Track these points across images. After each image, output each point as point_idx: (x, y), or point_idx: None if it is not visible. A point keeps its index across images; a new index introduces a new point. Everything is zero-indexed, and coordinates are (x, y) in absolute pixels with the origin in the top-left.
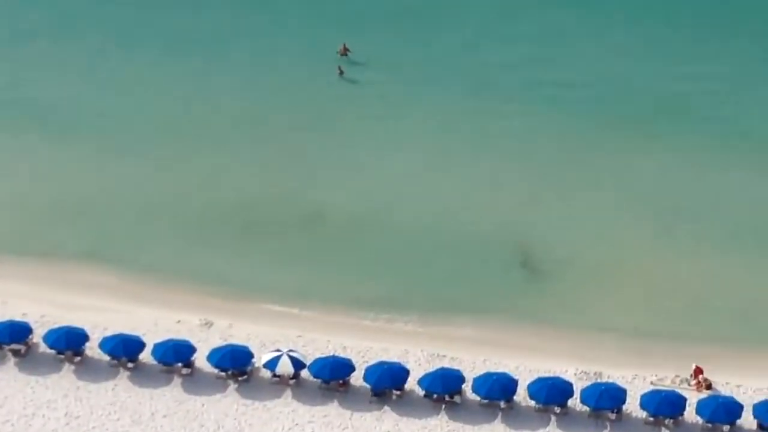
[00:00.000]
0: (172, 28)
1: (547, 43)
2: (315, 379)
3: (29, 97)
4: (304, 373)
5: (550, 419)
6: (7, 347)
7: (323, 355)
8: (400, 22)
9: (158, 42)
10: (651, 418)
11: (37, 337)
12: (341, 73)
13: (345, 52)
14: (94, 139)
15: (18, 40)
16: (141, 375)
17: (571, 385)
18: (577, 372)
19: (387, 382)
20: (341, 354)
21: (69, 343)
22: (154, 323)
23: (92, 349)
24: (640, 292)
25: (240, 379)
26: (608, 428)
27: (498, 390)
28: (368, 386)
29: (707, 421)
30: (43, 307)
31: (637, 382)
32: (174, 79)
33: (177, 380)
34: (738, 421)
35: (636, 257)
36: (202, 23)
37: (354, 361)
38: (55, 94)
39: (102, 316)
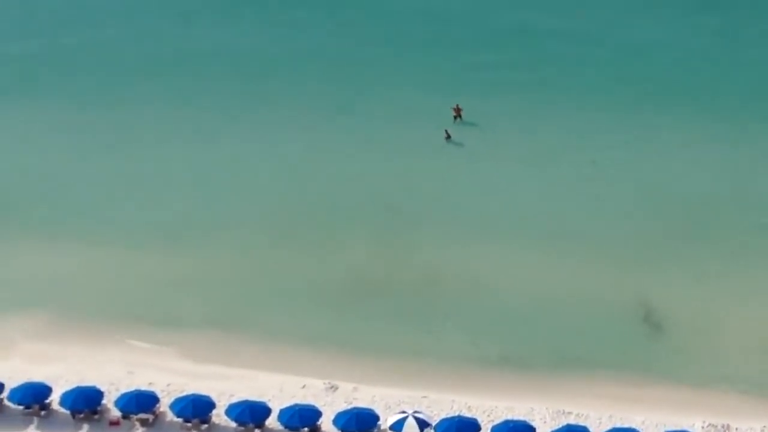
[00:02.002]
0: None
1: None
2: None
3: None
4: None
5: None
6: (135, 417)
7: (449, 415)
8: (512, 80)
9: (268, 110)
10: None
11: (164, 405)
12: (448, 137)
13: (458, 113)
14: (216, 211)
15: None
16: None
17: None
18: (705, 425)
19: None
20: (466, 413)
21: (196, 411)
22: (279, 388)
23: (219, 416)
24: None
25: None
26: None
27: None
28: None
29: None
30: (169, 375)
31: None
32: (291, 149)
33: None
34: None
35: (761, 307)
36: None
37: (480, 420)
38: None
39: (227, 383)
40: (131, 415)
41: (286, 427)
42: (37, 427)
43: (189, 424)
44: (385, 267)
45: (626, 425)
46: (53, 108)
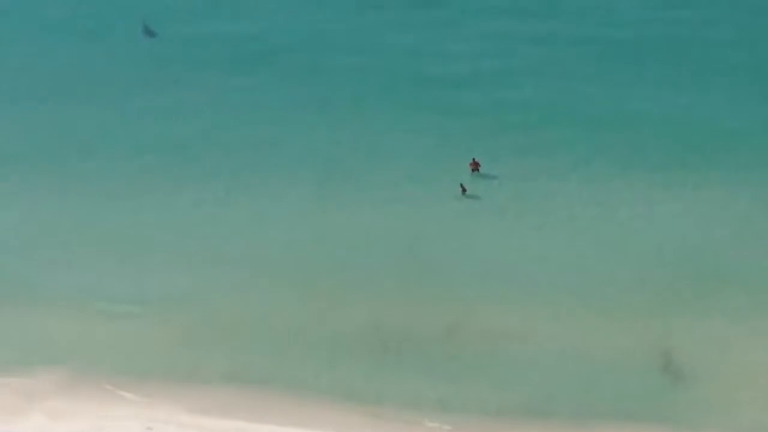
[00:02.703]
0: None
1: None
2: None
3: None
4: None
5: None
6: None
7: None
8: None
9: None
10: None
11: None
12: (464, 191)
13: (476, 167)
14: (230, 259)
15: None
16: None
17: None
18: None
19: None
20: None
21: None
22: None
23: None
24: None
25: None
26: None
27: None
28: None
29: None
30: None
31: None
32: (300, 201)
33: None
34: None
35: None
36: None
37: None
38: None
39: None
40: None
41: None
42: None
43: None
44: (406, 321)
45: None
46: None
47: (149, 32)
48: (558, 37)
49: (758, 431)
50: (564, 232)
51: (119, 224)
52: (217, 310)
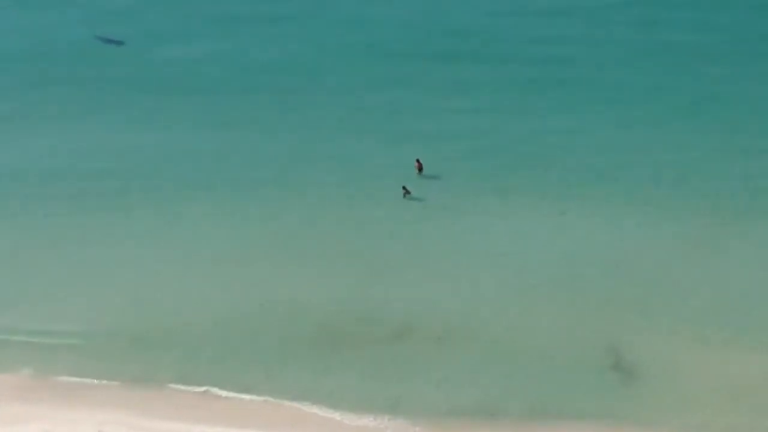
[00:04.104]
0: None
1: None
2: None
3: None
4: None
5: None
6: None
7: None
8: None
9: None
10: None
11: None
12: (407, 193)
13: (420, 167)
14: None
15: None
16: None
17: None
18: None
19: None
20: None
21: None
22: None
23: None
24: (746, 386)
25: None
26: None
27: None
28: None
29: None
30: None
31: None
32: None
33: None
34: None
35: (735, 353)
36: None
37: None
38: None
39: None
40: None
41: None
42: None
43: None
44: (356, 323)
45: None
46: None
47: (111, 41)
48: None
49: (708, 429)
50: (510, 231)
51: (64, 239)
52: (168, 312)
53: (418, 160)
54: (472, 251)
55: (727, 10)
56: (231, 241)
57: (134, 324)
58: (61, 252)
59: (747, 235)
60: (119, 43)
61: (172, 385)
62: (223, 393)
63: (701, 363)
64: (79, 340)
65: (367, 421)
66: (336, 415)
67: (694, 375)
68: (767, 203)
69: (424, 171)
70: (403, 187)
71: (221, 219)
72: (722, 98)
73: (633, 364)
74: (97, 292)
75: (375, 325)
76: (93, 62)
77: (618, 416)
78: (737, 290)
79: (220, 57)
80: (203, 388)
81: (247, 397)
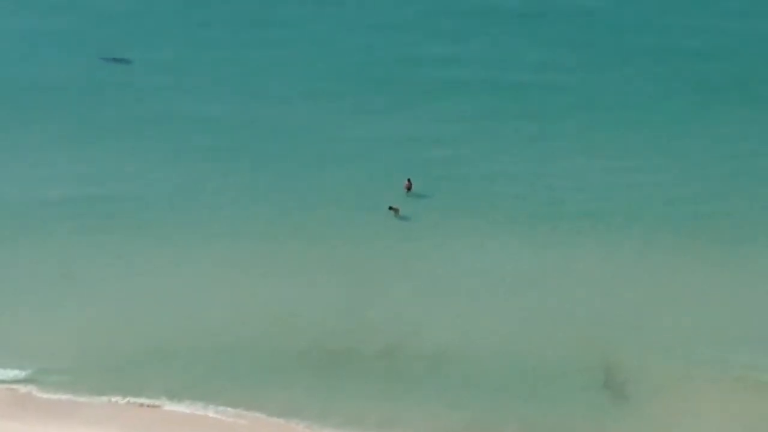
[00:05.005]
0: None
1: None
2: None
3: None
4: None
5: None
6: None
7: None
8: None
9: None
10: None
11: None
12: (396, 212)
13: (409, 187)
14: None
15: None
16: None
17: None
18: None
19: None
20: None
21: None
22: None
23: None
24: (735, 406)
25: None
26: None
27: None
28: None
29: None
30: None
31: None
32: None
33: None
34: None
35: (727, 371)
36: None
37: None
38: None
39: None
40: None
41: None
42: None
43: None
44: (347, 342)
45: None
46: None
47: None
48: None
49: None
50: (499, 250)
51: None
52: (158, 331)
53: (408, 180)
54: (462, 270)
55: None
56: (221, 260)
57: (124, 342)
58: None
59: (741, 255)
60: (127, 61)
61: (163, 403)
62: (213, 411)
63: (690, 382)
64: (69, 358)
65: None
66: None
67: (684, 394)
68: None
69: (413, 190)
70: (392, 207)
71: (211, 238)
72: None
73: (623, 384)
74: (86, 310)
75: (365, 343)
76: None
77: None
78: (729, 311)
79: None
80: (193, 406)
81: (237, 414)
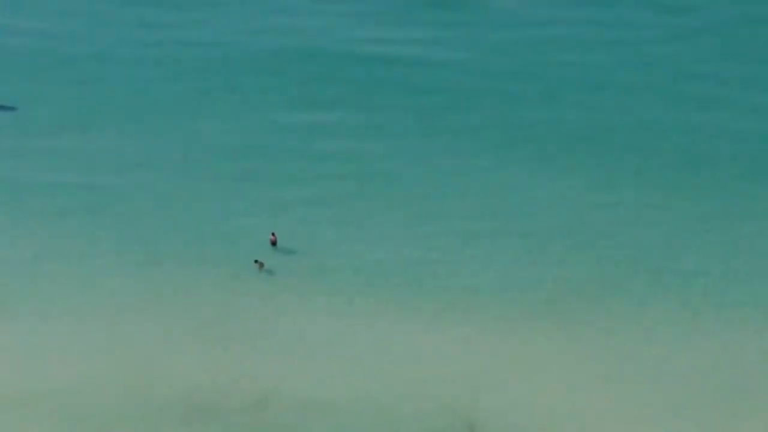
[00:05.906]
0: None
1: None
2: None
3: None
4: None
5: None
6: None
7: None
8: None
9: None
10: None
11: None
12: (261, 266)
13: (274, 241)
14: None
15: None
16: None
17: None
18: None
19: None
20: None
21: None
22: None
23: None
24: None
25: None
26: None
27: None
28: None
29: None
30: None
31: None
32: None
33: None
34: None
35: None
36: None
37: None
38: None
39: None
40: None
41: None
42: None
43: None
44: (213, 395)
45: None
46: None
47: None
48: None
49: None
50: (360, 302)
51: None
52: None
53: (273, 234)
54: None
55: None
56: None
57: None
58: None
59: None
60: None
61: None
62: None
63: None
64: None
65: None
66: None
67: None
68: None
69: (279, 245)
70: (257, 261)
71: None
72: None
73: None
74: None
75: (233, 397)
76: None
77: None
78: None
79: None
80: None
81: None
